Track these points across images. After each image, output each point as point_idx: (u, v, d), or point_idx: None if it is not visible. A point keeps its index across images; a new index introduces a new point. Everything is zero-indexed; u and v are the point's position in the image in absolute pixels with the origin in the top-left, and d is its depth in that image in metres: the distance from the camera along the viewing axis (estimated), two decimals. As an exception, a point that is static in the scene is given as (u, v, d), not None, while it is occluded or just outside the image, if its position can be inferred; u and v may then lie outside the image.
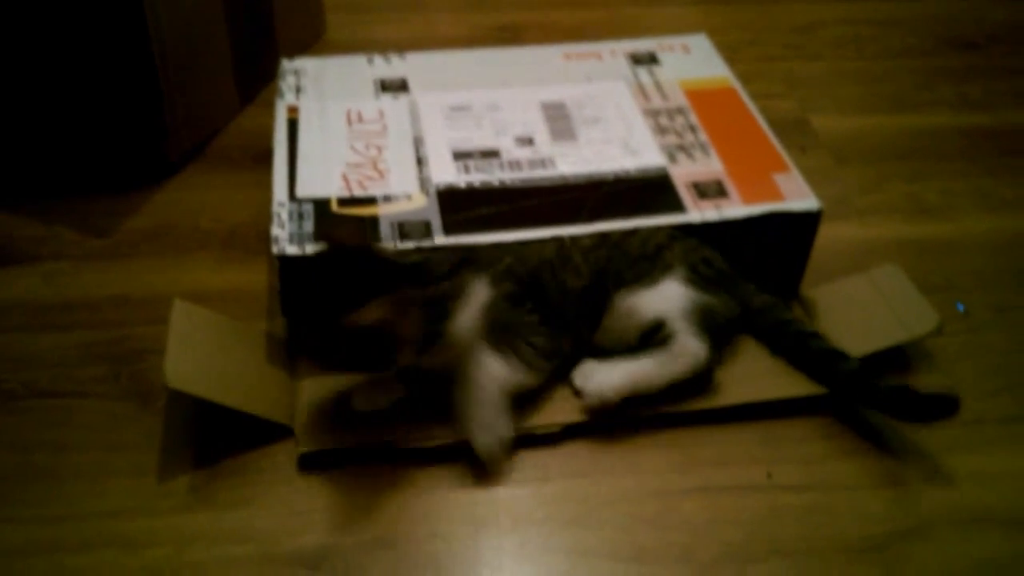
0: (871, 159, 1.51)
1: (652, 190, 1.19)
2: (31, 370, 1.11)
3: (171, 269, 1.26)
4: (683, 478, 1.02)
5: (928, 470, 1.03)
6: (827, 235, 1.19)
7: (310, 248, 1.07)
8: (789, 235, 1.18)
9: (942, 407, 1.00)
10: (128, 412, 1.07)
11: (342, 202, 1.16)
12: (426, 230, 1.12)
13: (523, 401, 1.05)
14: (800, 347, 1.09)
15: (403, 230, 1.12)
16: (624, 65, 1.43)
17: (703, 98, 1.36)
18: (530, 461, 1.03)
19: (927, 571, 0.94)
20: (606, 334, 1.09)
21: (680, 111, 1.33)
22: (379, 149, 1.25)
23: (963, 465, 1.04)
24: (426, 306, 0.97)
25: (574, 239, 1.10)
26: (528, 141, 1.27)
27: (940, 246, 1.34)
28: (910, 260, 1.22)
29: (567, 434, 1.05)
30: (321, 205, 1.15)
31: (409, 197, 1.17)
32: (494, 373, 1.01)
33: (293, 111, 1.30)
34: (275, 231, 1.10)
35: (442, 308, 0.99)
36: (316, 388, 1.07)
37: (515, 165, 1.22)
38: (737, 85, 1.39)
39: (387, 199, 1.17)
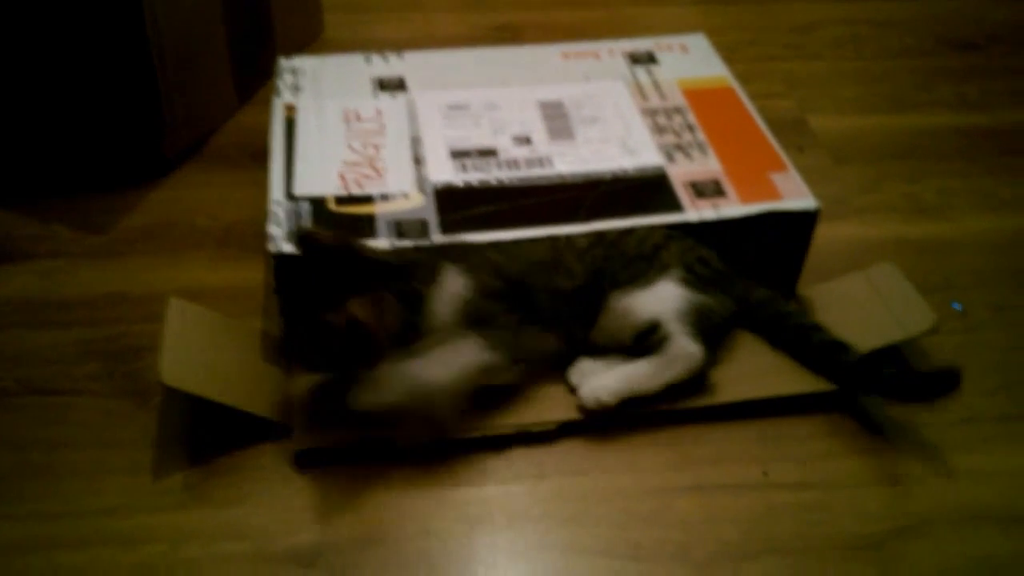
0: (870, 159, 1.51)
1: (650, 189, 1.19)
2: (27, 367, 1.11)
3: (167, 267, 1.26)
4: (679, 476, 1.02)
5: (925, 468, 1.03)
6: (825, 234, 1.19)
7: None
8: (787, 234, 1.18)
9: (945, 383, 1.00)
10: (124, 410, 1.07)
11: (339, 201, 1.16)
12: (423, 229, 1.12)
13: (499, 399, 1.05)
14: (801, 340, 1.09)
15: (400, 229, 1.12)
16: (622, 64, 1.43)
17: (701, 98, 1.36)
18: (525, 458, 1.03)
19: (923, 569, 0.94)
20: (601, 333, 1.09)
21: (678, 110, 1.33)
22: (376, 148, 1.25)
23: (960, 463, 1.04)
24: (403, 298, 0.98)
25: (569, 240, 1.10)
26: (526, 140, 1.26)
27: (938, 246, 1.34)
28: (908, 260, 1.21)
29: (563, 432, 1.04)
30: (318, 204, 1.15)
31: (406, 196, 1.17)
32: (465, 355, 1.00)
33: (290, 109, 1.30)
34: (271, 229, 1.10)
35: (418, 297, 0.99)
36: (311, 386, 1.07)
37: (513, 164, 1.22)
38: (735, 85, 1.38)
39: (384, 198, 1.16)
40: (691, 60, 1.44)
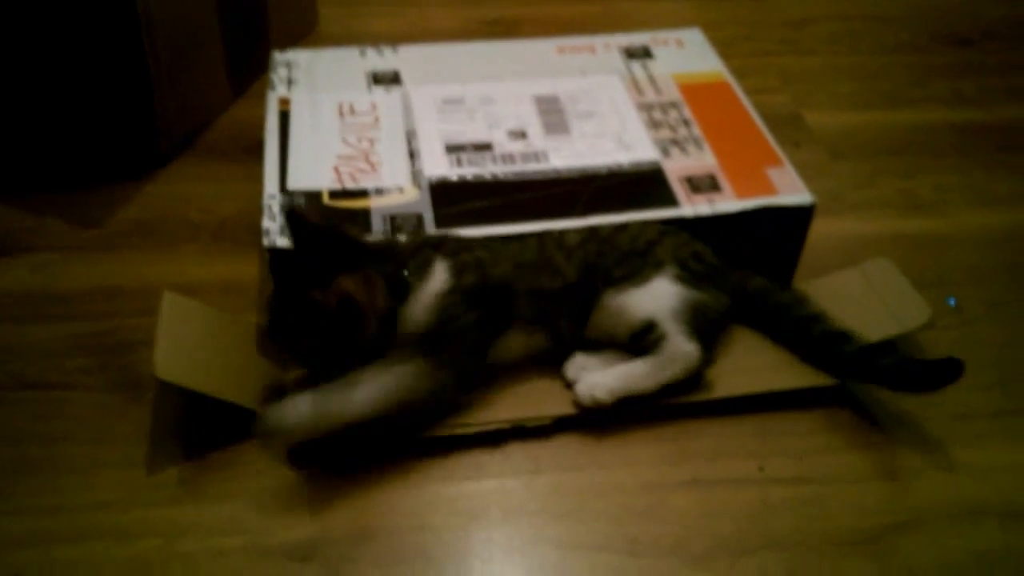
0: (865, 154, 1.51)
1: (645, 184, 1.19)
2: (20, 361, 1.11)
3: (161, 261, 1.25)
4: (676, 471, 1.02)
5: (921, 463, 1.03)
6: (820, 230, 1.19)
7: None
8: (782, 229, 1.18)
9: (947, 372, 1.00)
10: (118, 404, 1.07)
11: (333, 195, 1.15)
12: (418, 223, 1.12)
13: (494, 394, 1.05)
14: (800, 331, 1.09)
15: (395, 223, 1.12)
16: (618, 59, 1.43)
17: (697, 92, 1.36)
18: (521, 453, 1.03)
19: (920, 564, 0.94)
20: (595, 328, 1.08)
21: (674, 105, 1.33)
22: (371, 142, 1.24)
23: (957, 458, 1.04)
24: (390, 283, 0.98)
25: (559, 237, 1.09)
26: (521, 135, 1.26)
27: (933, 241, 1.34)
28: (903, 255, 1.21)
29: (559, 426, 1.04)
30: (312, 198, 1.14)
31: (401, 190, 1.17)
32: (391, 385, 0.99)
33: (285, 103, 1.30)
34: (266, 223, 1.10)
35: (405, 286, 0.99)
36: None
37: (508, 159, 1.22)
38: (731, 79, 1.38)
39: (379, 192, 1.16)
40: (687, 55, 1.44)
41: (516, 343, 1.06)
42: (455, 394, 1.02)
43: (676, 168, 1.21)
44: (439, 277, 1.01)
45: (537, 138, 1.26)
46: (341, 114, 1.29)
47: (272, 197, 1.13)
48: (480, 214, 1.13)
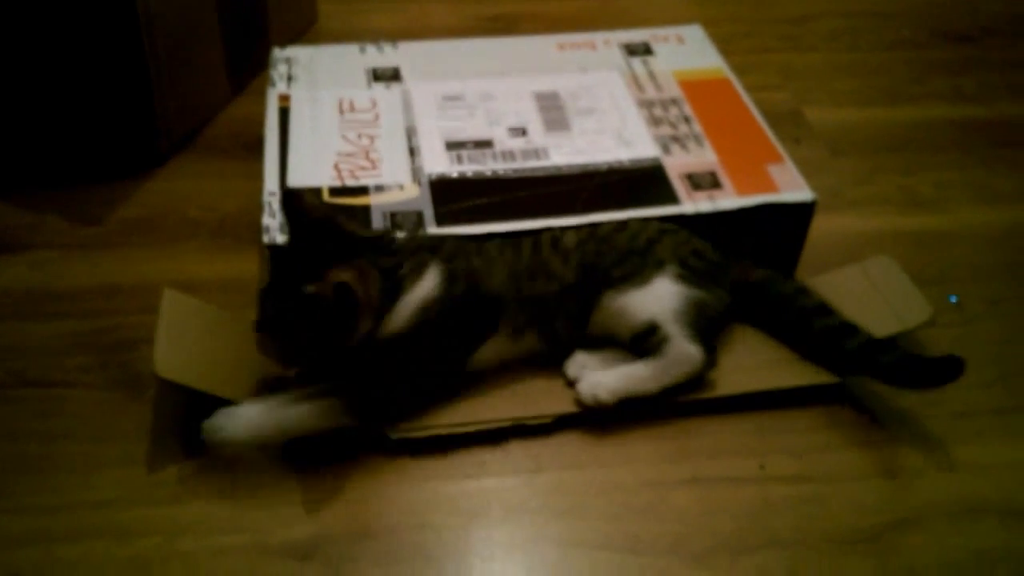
0: (865, 151, 1.50)
1: (646, 181, 1.19)
2: (20, 359, 1.11)
3: (161, 259, 1.25)
4: (676, 469, 1.02)
5: (921, 461, 1.03)
6: (821, 227, 1.19)
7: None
8: (783, 226, 1.18)
9: (948, 369, 1.00)
10: (118, 402, 1.06)
11: (334, 192, 1.15)
12: (418, 220, 1.12)
13: (494, 392, 1.05)
14: (803, 325, 1.08)
15: (395, 220, 1.12)
16: (618, 55, 1.43)
17: (697, 89, 1.35)
18: (522, 451, 1.03)
19: (920, 562, 0.94)
20: (595, 327, 1.08)
21: (674, 102, 1.33)
22: (371, 139, 1.24)
23: (957, 456, 1.04)
24: (383, 277, 0.97)
25: (556, 240, 1.08)
26: (521, 131, 1.26)
27: (934, 238, 1.34)
28: (904, 252, 1.21)
29: (559, 424, 1.04)
30: (313, 195, 1.14)
31: (401, 187, 1.17)
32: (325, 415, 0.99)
33: (285, 100, 1.30)
34: (266, 221, 1.10)
35: (398, 284, 0.99)
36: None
37: (508, 155, 1.22)
38: (731, 76, 1.38)
39: (379, 189, 1.16)
40: (687, 51, 1.44)
41: (502, 349, 1.06)
42: (378, 427, 1.01)
43: (677, 165, 1.21)
44: (430, 283, 1.01)
45: (537, 135, 1.26)
46: (341, 111, 1.29)
47: (272, 194, 1.13)
48: (480, 211, 1.13)
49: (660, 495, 0.99)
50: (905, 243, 1.31)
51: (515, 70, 1.38)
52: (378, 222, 1.11)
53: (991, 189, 1.43)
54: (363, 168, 1.19)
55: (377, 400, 1.00)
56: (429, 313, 1.00)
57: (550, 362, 1.08)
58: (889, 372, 1.03)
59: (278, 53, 1.39)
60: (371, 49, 1.42)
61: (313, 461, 1.01)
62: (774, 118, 1.30)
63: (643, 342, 1.04)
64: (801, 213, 1.17)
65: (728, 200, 1.16)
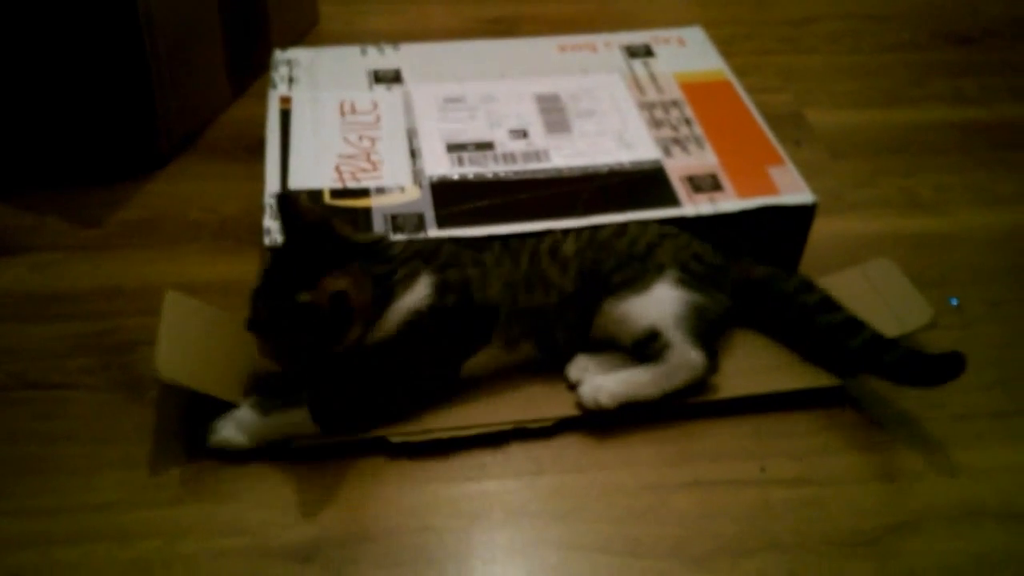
0: (866, 153, 1.50)
1: (647, 183, 1.19)
2: (21, 361, 1.11)
3: (162, 260, 1.25)
4: (677, 472, 1.02)
5: (921, 464, 1.03)
6: (821, 229, 1.19)
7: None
8: (784, 228, 1.18)
9: (951, 366, 1.00)
10: (119, 404, 1.07)
11: (335, 194, 1.15)
12: (419, 222, 1.12)
13: (495, 395, 1.05)
14: (805, 323, 1.08)
15: (396, 222, 1.12)
16: (619, 57, 1.43)
17: (698, 91, 1.35)
18: (523, 454, 1.03)
19: (920, 565, 0.94)
20: (597, 331, 1.08)
21: (675, 104, 1.33)
22: (372, 140, 1.24)
23: (957, 459, 1.04)
24: (376, 283, 0.97)
25: (554, 249, 1.08)
26: (522, 133, 1.26)
27: (934, 241, 1.34)
28: (904, 254, 1.21)
29: (560, 427, 1.04)
30: (314, 197, 1.14)
31: (402, 189, 1.17)
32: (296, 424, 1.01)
33: (286, 102, 1.30)
34: (267, 222, 1.10)
35: (390, 291, 0.99)
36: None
37: (509, 158, 1.22)
38: (732, 78, 1.38)
39: (380, 191, 1.16)
40: (688, 53, 1.44)
41: (495, 359, 1.06)
42: (340, 433, 1.02)
43: (677, 167, 1.21)
44: (420, 292, 1.00)
45: (538, 137, 1.26)
46: (342, 113, 1.29)
47: (273, 196, 1.13)
48: (481, 213, 1.13)
49: (661, 498, 0.99)
50: (905, 245, 1.32)
51: (516, 72, 1.39)
52: (379, 224, 1.11)
53: (992, 191, 1.43)
54: (364, 170, 1.19)
55: (341, 408, 1.01)
56: (419, 322, 1.00)
57: (550, 366, 1.08)
58: (892, 370, 1.03)
59: (279, 55, 1.39)
60: (372, 51, 1.42)
61: (314, 463, 1.01)
62: (775, 120, 1.30)
63: (645, 348, 1.04)
64: (802, 215, 1.17)
65: (729, 202, 1.16)
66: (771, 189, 1.18)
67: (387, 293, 0.99)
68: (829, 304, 1.08)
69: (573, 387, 1.05)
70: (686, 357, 1.03)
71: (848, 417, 1.08)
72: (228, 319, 1.08)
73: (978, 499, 1.00)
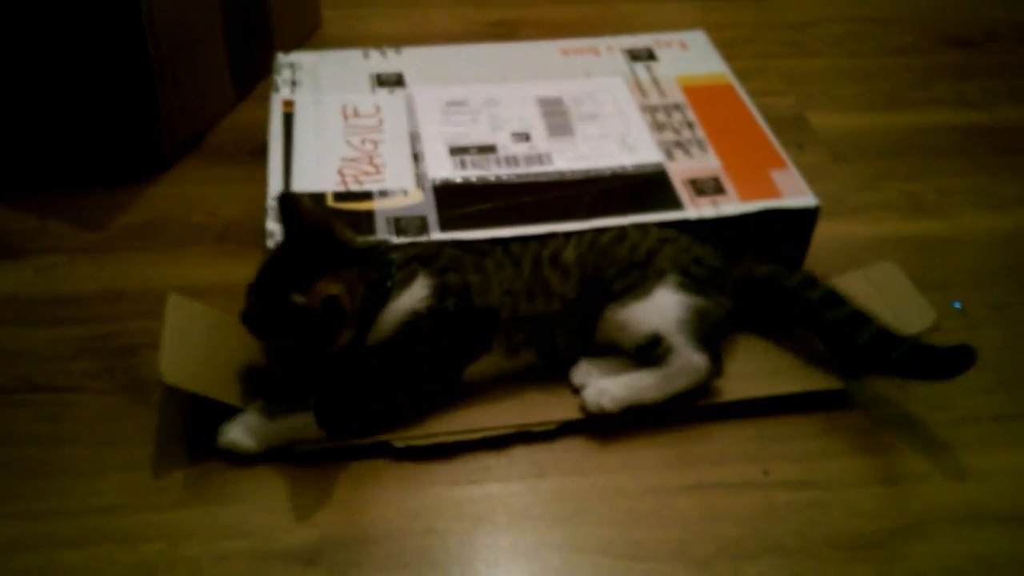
0: (868, 156, 1.51)
1: (649, 187, 1.19)
2: (24, 364, 1.11)
3: (165, 263, 1.26)
4: (679, 475, 1.02)
5: (923, 467, 1.03)
6: (824, 232, 1.19)
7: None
8: (786, 232, 1.18)
9: (960, 359, 1.00)
10: (122, 407, 1.07)
11: (338, 197, 1.15)
12: (422, 225, 1.12)
13: (499, 397, 1.05)
14: (812, 319, 1.08)
15: (399, 225, 1.12)
16: (621, 61, 1.43)
17: (701, 95, 1.36)
18: (526, 457, 1.03)
19: (922, 568, 0.94)
20: (600, 337, 1.08)
21: (678, 107, 1.33)
22: (375, 144, 1.24)
23: (959, 462, 1.04)
24: (370, 289, 0.98)
25: (555, 257, 1.07)
26: (525, 137, 1.26)
27: (937, 244, 1.34)
28: (907, 258, 1.21)
29: (563, 430, 1.04)
30: (317, 199, 1.14)
31: (405, 192, 1.17)
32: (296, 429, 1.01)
33: (288, 105, 1.30)
34: (270, 225, 1.10)
35: (385, 292, 0.99)
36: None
37: (512, 161, 1.22)
38: (735, 82, 1.38)
39: (383, 194, 1.16)
40: (691, 57, 1.44)
41: (496, 365, 1.06)
42: (343, 437, 1.02)
43: (680, 170, 1.21)
44: (417, 294, 1.01)
45: (541, 140, 1.26)
46: (345, 116, 1.29)
47: (276, 196, 1.13)
48: (484, 216, 1.13)
49: (663, 501, 0.99)
50: (908, 249, 1.32)
51: (518, 75, 1.39)
52: (382, 227, 1.11)
53: (994, 195, 1.43)
54: (367, 173, 1.19)
55: (346, 413, 1.01)
56: (417, 323, 1.00)
57: (553, 370, 1.08)
58: (901, 364, 1.03)
59: (282, 58, 1.40)
60: (375, 54, 1.42)
61: (317, 466, 1.01)
62: (777, 123, 1.31)
63: (648, 352, 1.04)
64: (805, 219, 1.17)
65: (731, 206, 1.16)
66: (773, 192, 1.18)
67: (382, 296, 0.99)
68: (834, 299, 1.07)
69: (577, 391, 1.05)
70: (689, 360, 1.03)
71: (851, 420, 1.08)
72: (231, 322, 1.08)
73: (981, 502, 1.00)
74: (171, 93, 1.37)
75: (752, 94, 1.36)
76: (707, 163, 1.22)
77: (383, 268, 1.00)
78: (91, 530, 0.95)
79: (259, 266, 1.00)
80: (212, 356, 1.03)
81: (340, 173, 1.19)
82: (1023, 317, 1.22)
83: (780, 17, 1.88)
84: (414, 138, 1.25)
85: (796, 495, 1.00)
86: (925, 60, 1.76)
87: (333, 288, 0.92)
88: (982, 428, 1.08)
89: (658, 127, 1.29)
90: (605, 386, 1.03)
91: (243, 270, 0.99)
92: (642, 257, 1.07)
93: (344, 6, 1.82)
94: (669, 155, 1.24)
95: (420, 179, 1.19)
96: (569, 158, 1.23)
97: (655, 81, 1.38)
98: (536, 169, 1.21)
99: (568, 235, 1.10)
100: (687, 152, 1.24)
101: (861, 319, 1.05)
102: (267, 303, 0.97)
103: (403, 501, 0.98)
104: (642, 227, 1.12)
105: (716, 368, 1.05)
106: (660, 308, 1.04)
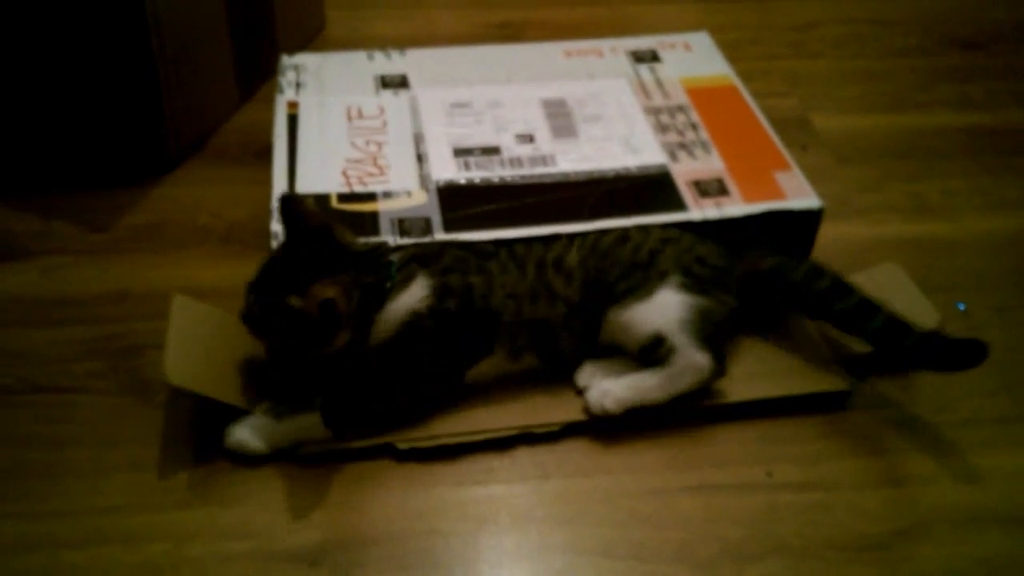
0: (872, 158, 1.50)
1: (653, 188, 1.19)
2: (29, 365, 1.11)
3: (169, 265, 1.26)
4: (682, 476, 1.02)
5: (927, 469, 1.03)
6: (828, 234, 1.19)
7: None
8: (790, 233, 1.18)
9: (972, 353, 1.00)
10: (126, 407, 1.07)
11: (342, 198, 1.16)
12: (426, 227, 1.12)
13: (503, 399, 1.05)
14: (822, 309, 1.08)
15: (403, 227, 1.12)
16: (625, 62, 1.43)
17: (704, 96, 1.36)
18: (530, 459, 1.03)
19: (925, 570, 0.94)
20: (604, 338, 1.08)
21: (681, 109, 1.33)
22: (379, 145, 1.24)
23: (962, 465, 1.04)
24: (367, 290, 0.98)
25: (558, 261, 1.07)
26: (529, 138, 1.26)
27: (940, 246, 1.34)
28: (910, 259, 1.21)
29: (567, 432, 1.04)
30: (321, 201, 1.15)
31: (409, 194, 1.17)
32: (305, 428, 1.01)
33: (293, 107, 1.30)
34: (275, 227, 1.10)
35: (383, 294, 0.99)
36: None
37: (516, 162, 1.22)
38: (738, 83, 1.38)
39: (387, 195, 1.16)
40: (694, 58, 1.44)
41: (498, 367, 1.06)
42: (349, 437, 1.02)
43: (684, 172, 1.21)
44: (417, 294, 1.01)
45: (545, 142, 1.26)
46: (349, 118, 1.29)
47: (279, 200, 1.13)
48: (488, 217, 1.13)
49: (666, 502, 0.99)
50: (911, 250, 1.31)
51: (522, 77, 1.39)
52: (386, 228, 1.12)
53: (998, 196, 1.43)
54: (371, 174, 1.19)
55: (352, 413, 1.02)
56: (417, 323, 1.00)
57: (556, 372, 1.08)
58: (912, 352, 1.03)
59: (286, 60, 1.40)
60: (379, 56, 1.42)
61: (321, 467, 1.01)
62: (781, 125, 1.31)
63: (651, 353, 1.04)
64: (808, 220, 1.17)
65: (735, 207, 1.16)
66: (778, 194, 1.18)
67: (380, 298, 0.99)
68: (842, 288, 1.07)
69: (581, 392, 1.06)
70: (692, 360, 1.03)
71: (854, 422, 1.08)
72: (236, 323, 1.08)
73: (984, 504, 1.00)
74: (176, 94, 1.37)
75: (756, 95, 1.36)
76: (711, 165, 1.23)
77: (382, 270, 1.01)
78: (95, 530, 0.95)
79: (259, 265, 1.00)
80: (217, 357, 1.03)
81: (344, 174, 1.19)
82: (1026, 319, 1.23)
83: (783, 19, 1.88)
84: (418, 139, 1.26)
85: (799, 496, 1.00)
86: (929, 62, 1.76)
87: (329, 292, 0.93)
88: (985, 430, 1.08)
89: (662, 129, 1.29)
90: (608, 387, 1.03)
91: (247, 271, 0.99)
92: (644, 258, 1.07)
93: (348, 8, 1.82)
94: (673, 157, 1.24)
95: (424, 180, 1.19)
96: (573, 159, 1.23)
97: (659, 83, 1.38)
98: (540, 170, 1.21)
99: (571, 238, 1.10)
100: (691, 154, 1.24)
101: (870, 307, 1.05)
102: (264, 303, 0.97)
103: (406, 502, 0.98)
104: (644, 228, 1.12)
105: (720, 367, 1.05)
106: (662, 308, 1.04)
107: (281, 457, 1.01)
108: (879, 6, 1.93)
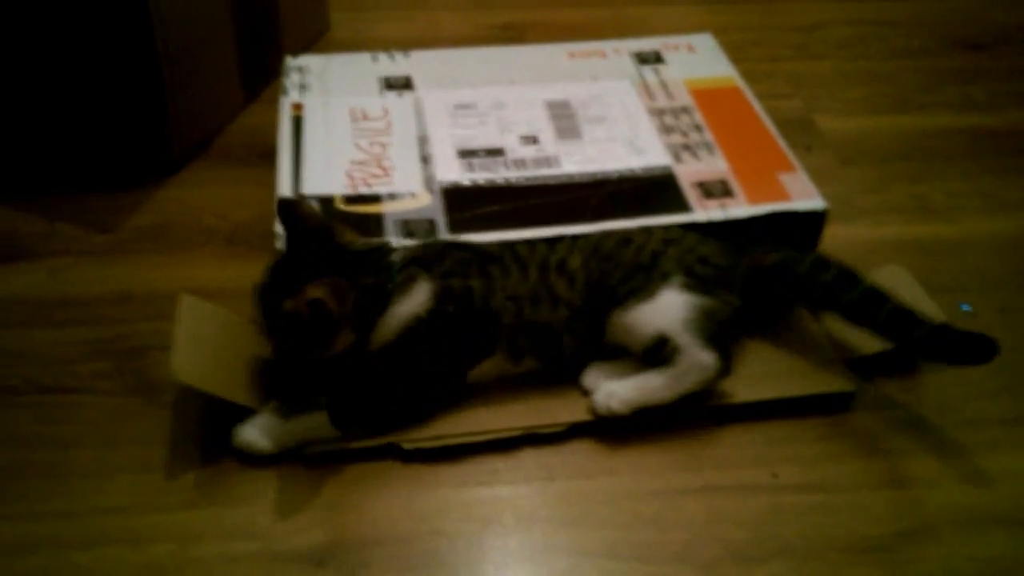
0: (875, 159, 1.51)
1: (657, 189, 1.19)
2: (34, 366, 1.11)
3: (174, 266, 1.26)
4: (686, 477, 1.02)
5: (931, 471, 1.03)
6: (831, 235, 1.19)
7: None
8: (795, 235, 1.18)
9: (982, 348, 1.00)
10: (131, 408, 1.07)
11: (347, 200, 1.16)
12: (431, 228, 1.12)
13: (507, 399, 1.05)
14: (830, 302, 1.08)
15: (408, 228, 1.12)
16: (629, 64, 1.43)
17: (708, 97, 1.36)
18: (534, 460, 1.03)
19: (929, 572, 0.94)
20: (609, 339, 1.08)
21: (685, 110, 1.33)
22: (383, 147, 1.25)
23: (966, 466, 1.04)
24: (368, 292, 0.98)
25: (561, 264, 1.07)
26: (533, 140, 1.27)
27: (944, 247, 1.34)
28: (914, 261, 1.21)
29: (572, 433, 1.04)
30: (326, 202, 1.15)
31: (414, 195, 1.17)
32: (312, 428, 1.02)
33: (297, 108, 1.30)
34: (279, 228, 1.10)
35: (385, 296, 1.00)
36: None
37: (520, 164, 1.22)
38: (742, 84, 1.39)
39: (392, 197, 1.17)
40: (698, 60, 1.45)
41: (500, 368, 1.06)
42: (357, 436, 1.02)
43: (688, 173, 1.21)
44: (419, 298, 1.01)
45: (549, 143, 1.26)
46: (354, 119, 1.29)
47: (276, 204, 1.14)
48: (492, 219, 1.14)
49: (670, 504, 0.99)
50: (915, 252, 1.31)
51: (526, 79, 1.39)
52: (391, 230, 1.12)
53: (1000, 198, 1.43)
54: (376, 176, 1.19)
55: (360, 412, 1.02)
56: (419, 327, 1.00)
57: (561, 373, 1.08)
58: (922, 343, 1.03)
59: (291, 61, 1.40)
60: (383, 58, 1.43)
61: (326, 468, 1.01)
62: (785, 126, 1.31)
63: (655, 354, 1.04)
64: (813, 221, 1.17)
65: (740, 208, 1.16)
66: (782, 195, 1.18)
67: (382, 300, 1.00)
68: (848, 279, 1.07)
69: (587, 393, 1.06)
70: (697, 359, 1.03)
71: (858, 423, 1.08)
72: (243, 323, 1.09)
73: (987, 506, 1.00)
74: (180, 96, 1.37)
75: (759, 97, 1.36)
76: (715, 166, 1.23)
77: (383, 271, 1.01)
78: (100, 531, 0.95)
79: (265, 269, 1.00)
80: (225, 356, 1.03)
81: (349, 176, 1.19)
82: (1030, 320, 1.23)
83: (787, 20, 1.88)
84: (422, 141, 1.26)
85: (803, 498, 1.00)
86: (932, 63, 1.76)
87: (317, 292, 0.93)
88: (989, 432, 1.08)
89: (666, 130, 1.29)
90: (613, 389, 1.03)
91: (252, 273, 0.99)
92: (647, 260, 1.07)
93: (352, 9, 1.83)
94: (677, 158, 1.24)
95: (429, 182, 1.19)
96: (577, 161, 1.23)
97: (663, 84, 1.38)
98: (544, 172, 1.21)
99: (574, 240, 1.10)
100: (695, 155, 1.24)
101: (878, 297, 1.04)
102: (265, 307, 0.98)
103: (411, 503, 0.99)
104: (646, 229, 1.12)
105: (725, 366, 1.05)
106: (665, 309, 1.04)
107: (287, 458, 1.01)
108: (883, 7, 1.93)
